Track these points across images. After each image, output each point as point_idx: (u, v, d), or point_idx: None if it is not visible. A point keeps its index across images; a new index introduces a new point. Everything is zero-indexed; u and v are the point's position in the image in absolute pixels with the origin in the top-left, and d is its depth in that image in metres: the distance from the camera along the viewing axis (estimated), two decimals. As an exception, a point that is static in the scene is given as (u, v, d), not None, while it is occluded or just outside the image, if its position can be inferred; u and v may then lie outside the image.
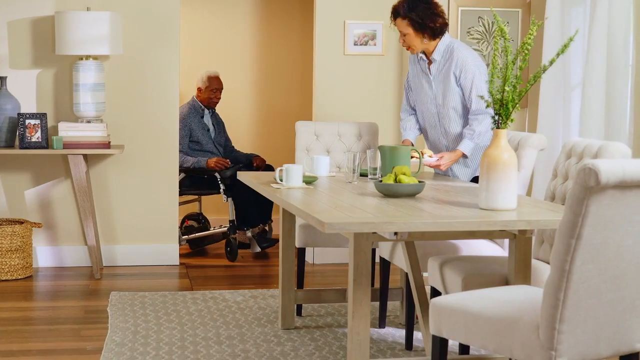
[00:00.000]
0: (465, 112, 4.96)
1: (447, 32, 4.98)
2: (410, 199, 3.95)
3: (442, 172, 5.05)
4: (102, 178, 6.67)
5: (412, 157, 4.66)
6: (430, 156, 4.86)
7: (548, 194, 4.31)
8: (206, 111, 7.32)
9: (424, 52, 5.03)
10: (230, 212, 7.04)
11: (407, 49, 4.99)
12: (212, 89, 7.30)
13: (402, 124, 5.22)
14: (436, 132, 5.09)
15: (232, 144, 7.61)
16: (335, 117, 6.81)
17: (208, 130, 7.29)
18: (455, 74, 4.91)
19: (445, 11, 6.55)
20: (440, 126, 5.05)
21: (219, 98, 7.38)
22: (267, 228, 7.28)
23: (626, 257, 2.92)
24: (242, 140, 8.22)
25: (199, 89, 7.32)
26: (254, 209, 7.09)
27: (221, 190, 7.07)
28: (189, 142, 7.18)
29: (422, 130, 5.23)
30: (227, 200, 7.06)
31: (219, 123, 7.44)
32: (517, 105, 3.64)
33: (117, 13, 6.35)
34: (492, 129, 3.75)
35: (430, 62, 5.02)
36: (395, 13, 4.93)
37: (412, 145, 5.11)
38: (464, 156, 4.92)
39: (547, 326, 2.92)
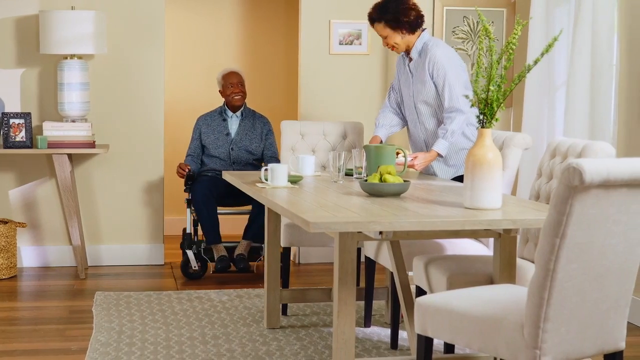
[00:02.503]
0: (440, 108, 5.00)
1: (425, 28, 5.02)
2: (395, 199, 3.96)
3: (424, 172, 5.08)
4: (86, 178, 6.65)
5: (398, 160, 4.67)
6: (404, 156, 4.87)
7: (533, 193, 4.32)
8: (230, 114, 6.59)
9: (406, 51, 5.08)
10: (188, 224, 6.45)
11: (392, 49, 5.05)
12: (227, 84, 6.60)
13: (377, 119, 5.25)
14: (417, 128, 5.14)
15: (273, 154, 6.59)
16: (320, 116, 6.81)
17: (227, 134, 6.57)
18: (429, 70, 4.95)
19: (430, 11, 6.62)
20: (420, 122, 5.10)
21: (238, 92, 6.55)
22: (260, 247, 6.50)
23: (610, 256, 2.93)
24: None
25: (220, 92, 6.66)
26: (213, 223, 6.31)
27: (186, 199, 6.49)
28: (203, 146, 6.61)
29: (402, 127, 5.26)
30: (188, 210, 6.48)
31: (253, 129, 6.59)
32: (502, 105, 3.65)
33: (102, 12, 6.34)
34: (477, 128, 3.76)
35: (410, 60, 5.07)
36: (371, 20, 5.02)
37: (381, 142, 5.13)
38: (440, 156, 4.95)
39: (532, 325, 2.92)
